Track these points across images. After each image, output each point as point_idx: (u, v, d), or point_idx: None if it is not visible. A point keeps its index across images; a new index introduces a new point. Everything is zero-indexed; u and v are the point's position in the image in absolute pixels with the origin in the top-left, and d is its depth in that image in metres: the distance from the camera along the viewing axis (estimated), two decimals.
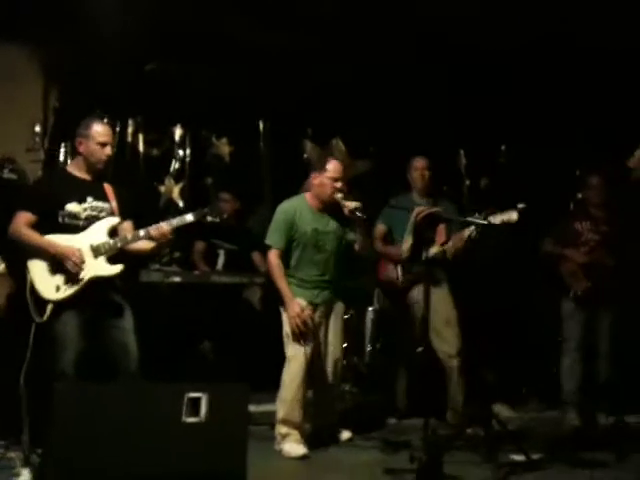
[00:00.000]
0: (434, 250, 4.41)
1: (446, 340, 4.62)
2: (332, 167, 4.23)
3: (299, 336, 4.12)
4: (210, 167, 5.99)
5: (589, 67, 5.43)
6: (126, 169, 5.61)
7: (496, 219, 3.94)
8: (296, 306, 4.12)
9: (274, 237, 4.22)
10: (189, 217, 3.81)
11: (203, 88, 5.63)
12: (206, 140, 5.98)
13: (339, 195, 4.19)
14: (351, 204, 4.13)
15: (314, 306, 4.23)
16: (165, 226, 3.72)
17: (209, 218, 3.86)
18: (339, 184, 4.21)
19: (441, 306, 4.56)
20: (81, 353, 3.66)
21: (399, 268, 4.79)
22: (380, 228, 4.90)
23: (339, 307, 4.39)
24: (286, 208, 4.27)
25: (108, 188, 3.85)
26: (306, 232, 4.22)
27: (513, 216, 3.94)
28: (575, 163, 5.66)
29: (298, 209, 4.26)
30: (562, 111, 5.72)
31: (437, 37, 5.36)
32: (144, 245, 3.82)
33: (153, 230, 3.71)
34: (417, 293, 4.68)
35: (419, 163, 4.92)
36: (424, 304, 3.85)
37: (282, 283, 4.17)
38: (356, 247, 4.36)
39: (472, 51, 5.44)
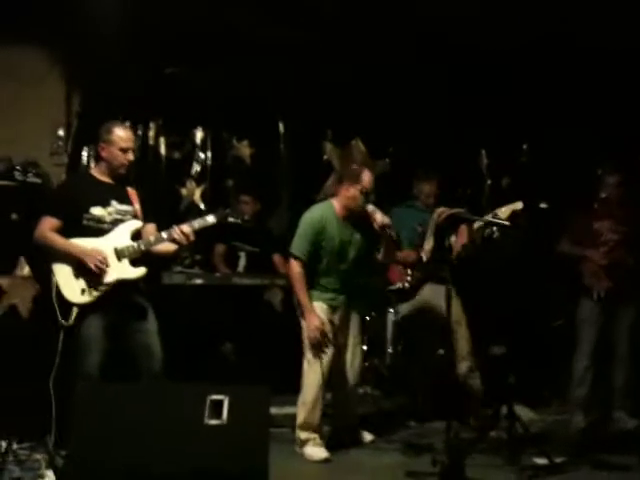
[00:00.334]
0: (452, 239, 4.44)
1: (457, 341, 4.61)
2: (367, 179, 4.16)
3: (317, 346, 4.11)
4: (231, 169, 6.01)
5: (605, 66, 5.40)
6: (148, 172, 5.66)
7: (502, 212, 3.94)
8: (315, 319, 4.10)
9: (299, 247, 4.15)
10: (211, 218, 3.82)
11: (223, 90, 5.65)
12: (227, 142, 6.00)
13: (371, 207, 4.15)
14: (382, 220, 4.11)
15: (333, 309, 4.24)
16: (186, 228, 3.73)
17: (230, 219, 3.85)
18: (369, 194, 4.18)
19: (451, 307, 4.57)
20: (105, 355, 3.70)
21: (408, 269, 4.82)
22: None
23: (356, 307, 4.40)
24: (314, 217, 4.20)
25: (131, 191, 3.89)
26: (333, 242, 4.17)
27: (518, 205, 3.94)
28: (597, 162, 5.60)
29: (325, 218, 4.19)
30: (584, 109, 5.67)
31: (449, 38, 5.37)
32: (166, 247, 3.84)
33: (175, 232, 3.73)
34: (427, 293, 4.71)
35: (427, 188, 4.93)
36: (445, 305, 3.83)
37: (302, 294, 4.13)
38: (379, 257, 4.38)
39: (492, 50, 5.43)
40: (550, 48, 5.34)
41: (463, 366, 4.62)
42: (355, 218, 4.23)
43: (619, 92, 5.50)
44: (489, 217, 4.04)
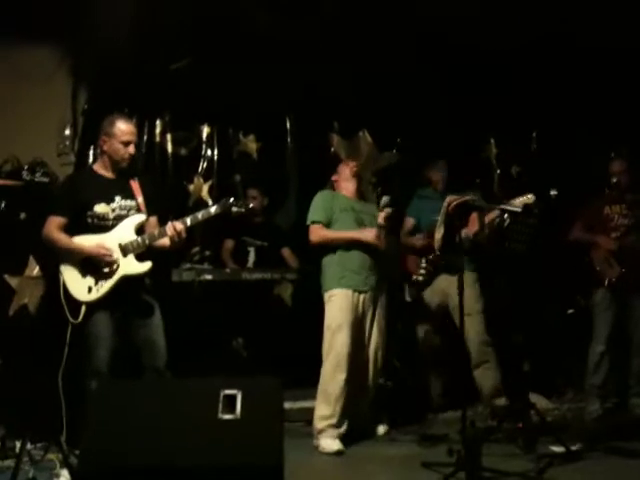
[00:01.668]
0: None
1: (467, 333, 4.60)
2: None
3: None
4: (238, 164, 5.99)
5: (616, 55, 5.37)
6: (155, 169, 5.65)
7: (516, 203, 3.93)
8: (369, 231, 4.23)
9: (315, 214, 4.33)
10: (214, 209, 3.78)
11: (229, 86, 5.62)
12: (233, 138, 5.98)
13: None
14: (381, 220, 4.24)
15: (359, 294, 4.25)
16: (179, 225, 3.69)
17: (234, 209, 3.81)
18: (357, 167, 4.47)
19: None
20: (113, 352, 3.69)
21: (423, 258, 4.79)
22: (409, 221, 4.98)
23: (384, 298, 4.41)
24: (324, 192, 4.45)
25: (134, 184, 3.86)
26: (347, 210, 4.34)
27: (530, 198, 3.96)
28: (609, 146, 5.55)
29: (335, 194, 4.43)
30: (593, 96, 5.63)
31: (455, 32, 5.34)
32: (164, 242, 3.80)
33: (169, 228, 3.68)
34: (443, 282, 4.70)
35: (436, 175, 5.00)
36: (459, 292, 3.79)
37: (339, 234, 4.28)
38: None
39: (504, 39, 5.40)
40: (564, 37, 5.31)
41: (472, 364, 4.62)
42: (364, 198, 4.49)
43: (629, 79, 5.47)
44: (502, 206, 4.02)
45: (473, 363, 4.63)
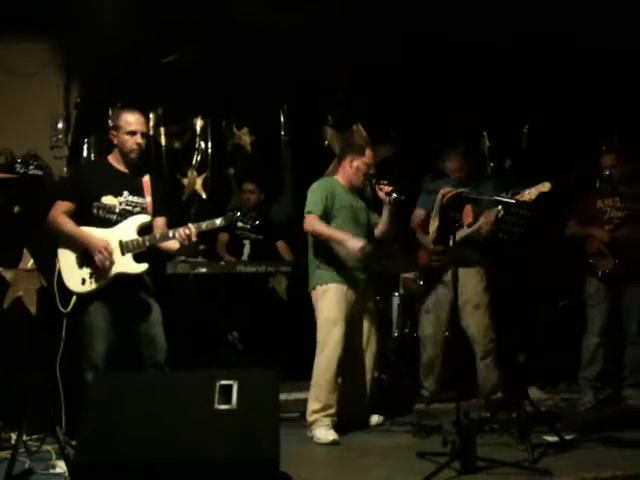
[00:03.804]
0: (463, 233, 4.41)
1: (469, 327, 4.61)
2: (369, 153, 4.32)
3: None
4: (232, 157, 5.98)
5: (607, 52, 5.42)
6: (149, 162, 5.64)
7: (529, 194, 3.89)
8: (357, 241, 4.08)
9: (312, 205, 4.21)
10: (218, 221, 3.75)
11: (222, 78, 5.62)
12: (227, 131, 5.97)
13: (373, 180, 4.23)
14: (387, 187, 4.15)
15: (352, 290, 4.24)
16: (192, 228, 3.69)
17: (240, 224, 3.84)
18: (372, 170, 4.29)
19: (470, 289, 4.54)
20: (110, 346, 3.70)
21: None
22: (419, 213, 4.88)
23: (371, 290, 4.42)
24: (323, 182, 4.35)
25: (146, 182, 3.84)
26: (345, 206, 4.28)
27: (545, 186, 3.88)
28: (599, 141, 5.58)
29: (333, 185, 4.34)
30: (585, 90, 5.66)
31: (452, 29, 5.35)
32: (169, 244, 3.81)
33: (178, 231, 3.68)
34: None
35: (453, 163, 4.79)
36: (452, 285, 3.79)
37: (331, 232, 4.17)
38: (375, 232, 4.39)
39: (493, 36, 5.42)
40: (557, 33, 5.36)
41: (477, 357, 4.61)
42: (358, 191, 4.38)
43: (619, 75, 5.51)
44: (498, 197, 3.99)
45: (479, 356, 4.62)
